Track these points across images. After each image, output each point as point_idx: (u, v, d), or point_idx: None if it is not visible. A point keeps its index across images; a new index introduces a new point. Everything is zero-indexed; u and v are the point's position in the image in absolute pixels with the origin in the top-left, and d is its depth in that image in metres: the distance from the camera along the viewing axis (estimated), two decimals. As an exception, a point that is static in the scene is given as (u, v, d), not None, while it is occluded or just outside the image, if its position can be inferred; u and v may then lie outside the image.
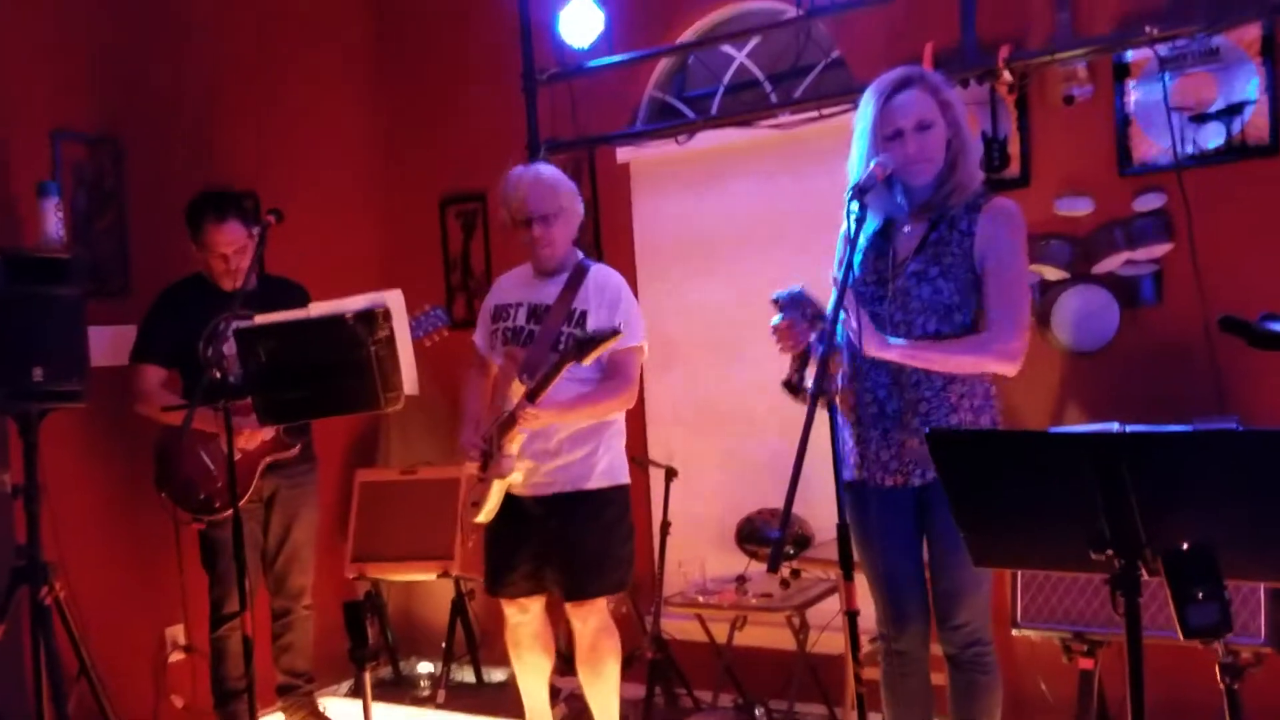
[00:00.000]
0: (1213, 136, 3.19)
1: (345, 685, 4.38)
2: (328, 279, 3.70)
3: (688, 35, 4.12)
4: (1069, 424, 3.33)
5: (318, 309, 2.90)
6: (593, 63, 3.99)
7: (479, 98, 4.48)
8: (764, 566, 3.32)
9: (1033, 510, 1.89)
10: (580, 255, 3.26)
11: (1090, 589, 2.88)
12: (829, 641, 3.60)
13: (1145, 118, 3.28)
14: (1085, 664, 2.89)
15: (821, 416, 2.13)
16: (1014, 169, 3.46)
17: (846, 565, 2.18)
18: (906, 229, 2.57)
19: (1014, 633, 3.00)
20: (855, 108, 2.60)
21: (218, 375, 2.88)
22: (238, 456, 3.12)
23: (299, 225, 3.56)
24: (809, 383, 2.24)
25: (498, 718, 3.91)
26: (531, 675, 3.36)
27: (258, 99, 4.32)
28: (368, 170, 4.77)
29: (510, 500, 3.17)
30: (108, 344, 3.59)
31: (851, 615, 2.20)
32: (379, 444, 4.74)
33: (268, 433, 3.45)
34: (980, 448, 1.97)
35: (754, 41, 4.07)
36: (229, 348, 2.94)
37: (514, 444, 3.06)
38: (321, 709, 3.87)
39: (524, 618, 3.28)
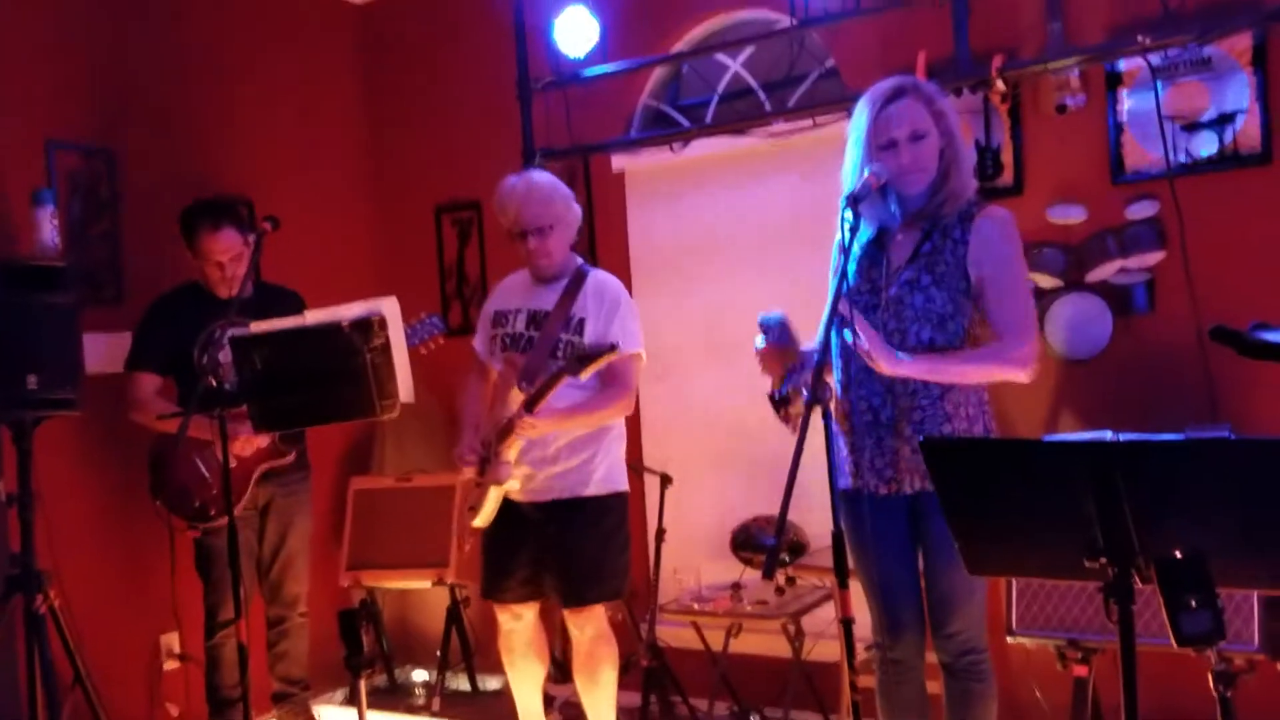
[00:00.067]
0: (1205, 145, 3.21)
1: (340, 693, 4.37)
2: (323, 286, 3.70)
3: (682, 44, 4.13)
4: (1063, 432, 3.34)
5: (313, 316, 2.91)
6: (588, 71, 4.00)
7: (474, 106, 4.49)
8: (759, 574, 3.33)
9: (1026, 518, 1.89)
10: (579, 261, 3.26)
11: (1085, 597, 2.89)
12: (824, 649, 3.61)
13: (1138, 126, 3.30)
14: (1080, 671, 2.89)
15: (816, 424, 2.14)
16: (1007, 177, 3.48)
17: (841, 573, 2.18)
18: (900, 237, 2.58)
19: (1009, 640, 3.00)
20: (849, 117, 2.60)
21: (213, 383, 2.88)
22: (233, 464, 3.12)
23: (294, 232, 3.56)
24: (791, 396, 2.27)
25: (492, 726, 3.91)
26: (525, 682, 3.36)
27: (252, 107, 4.32)
28: (363, 178, 4.78)
29: (508, 505, 3.17)
30: (102, 352, 3.59)
31: (846, 623, 2.20)
32: (374, 451, 4.73)
33: (263, 440, 3.45)
34: (974, 456, 1.98)
35: (748, 51, 4.08)
36: (224, 355, 2.94)
37: (511, 451, 3.07)
38: (317, 717, 3.87)
39: (517, 624, 3.28)
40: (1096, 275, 3.32)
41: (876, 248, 2.60)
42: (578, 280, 3.18)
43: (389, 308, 2.84)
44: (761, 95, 4.11)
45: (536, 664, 3.35)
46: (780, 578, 3.59)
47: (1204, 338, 2.71)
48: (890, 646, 2.61)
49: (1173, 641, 1.67)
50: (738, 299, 4.02)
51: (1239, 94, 3.17)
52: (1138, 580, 1.78)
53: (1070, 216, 3.37)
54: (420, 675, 4.53)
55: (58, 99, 3.71)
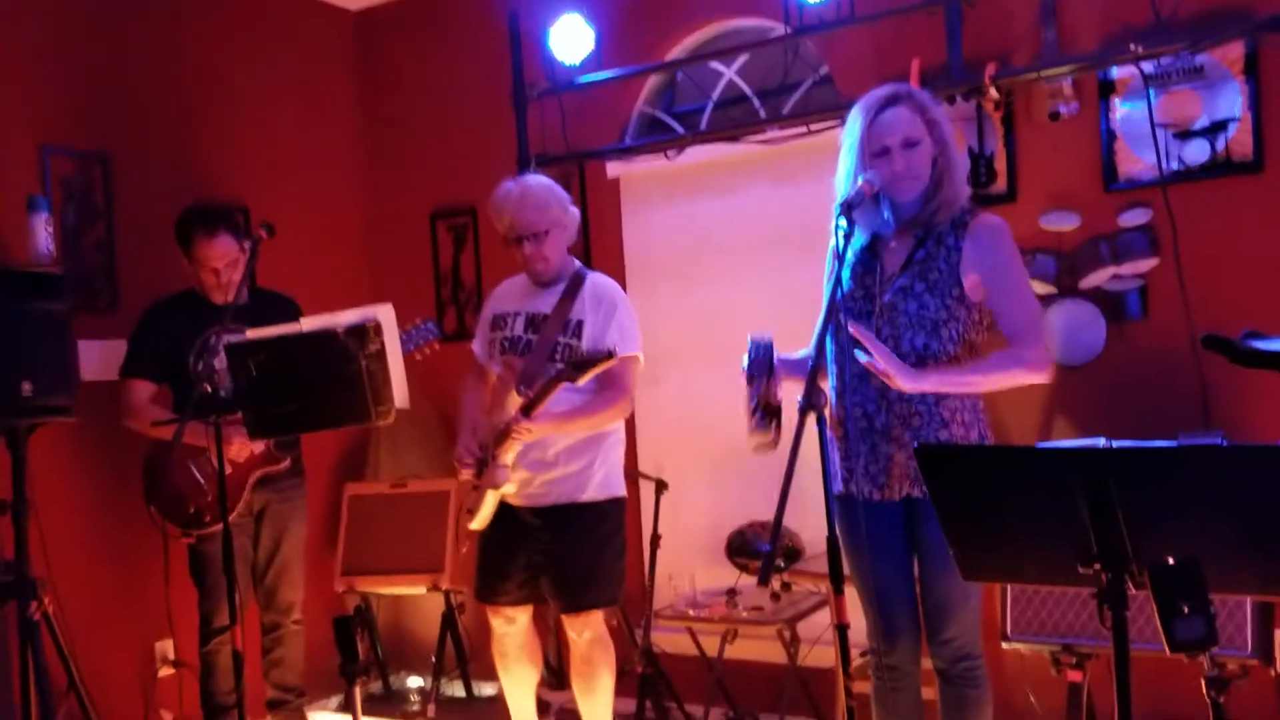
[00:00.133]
0: (1197, 153, 3.22)
1: (335, 700, 4.36)
2: (319, 292, 3.71)
3: (677, 52, 4.14)
4: (1057, 439, 3.35)
5: (309, 323, 2.90)
6: (583, 78, 4.01)
7: (469, 112, 4.50)
8: (755, 579, 3.33)
9: (1021, 525, 1.90)
10: (577, 264, 3.27)
11: (1079, 602, 2.90)
12: (820, 655, 3.61)
13: (1130, 134, 3.31)
14: (1074, 676, 2.90)
15: (811, 430, 2.14)
16: (1000, 185, 3.49)
17: (837, 578, 2.18)
18: (893, 244, 2.59)
19: (1004, 645, 3.01)
20: (843, 124, 2.62)
21: (208, 389, 2.88)
22: (228, 470, 3.11)
23: (289, 239, 3.57)
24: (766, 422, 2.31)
25: (487, 732, 3.91)
26: (518, 686, 3.36)
27: (247, 113, 4.33)
28: (358, 184, 4.78)
29: (505, 509, 3.17)
30: (96, 359, 3.59)
31: (842, 629, 2.20)
32: (368, 457, 4.73)
33: (258, 446, 3.45)
34: (968, 463, 1.99)
35: (743, 58, 4.10)
36: (219, 362, 2.94)
37: (508, 455, 3.07)
38: (311, 724, 3.87)
39: (510, 629, 3.28)
40: (1090, 282, 3.33)
41: (870, 254, 2.61)
42: (576, 283, 3.18)
43: (384, 315, 2.84)
44: (756, 102, 4.12)
45: (529, 668, 3.35)
46: (775, 583, 3.59)
47: (1197, 345, 2.72)
48: (886, 652, 2.61)
49: (1166, 647, 1.68)
50: (732, 305, 4.03)
51: (1231, 102, 3.19)
52: (1131, 586, 1.78)
53: (1063, 223, 3.38)
54: (415, 681, 4.52)
55: (52, 105, 3.71)
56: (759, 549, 3.67)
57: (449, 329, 4.49)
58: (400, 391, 2.87)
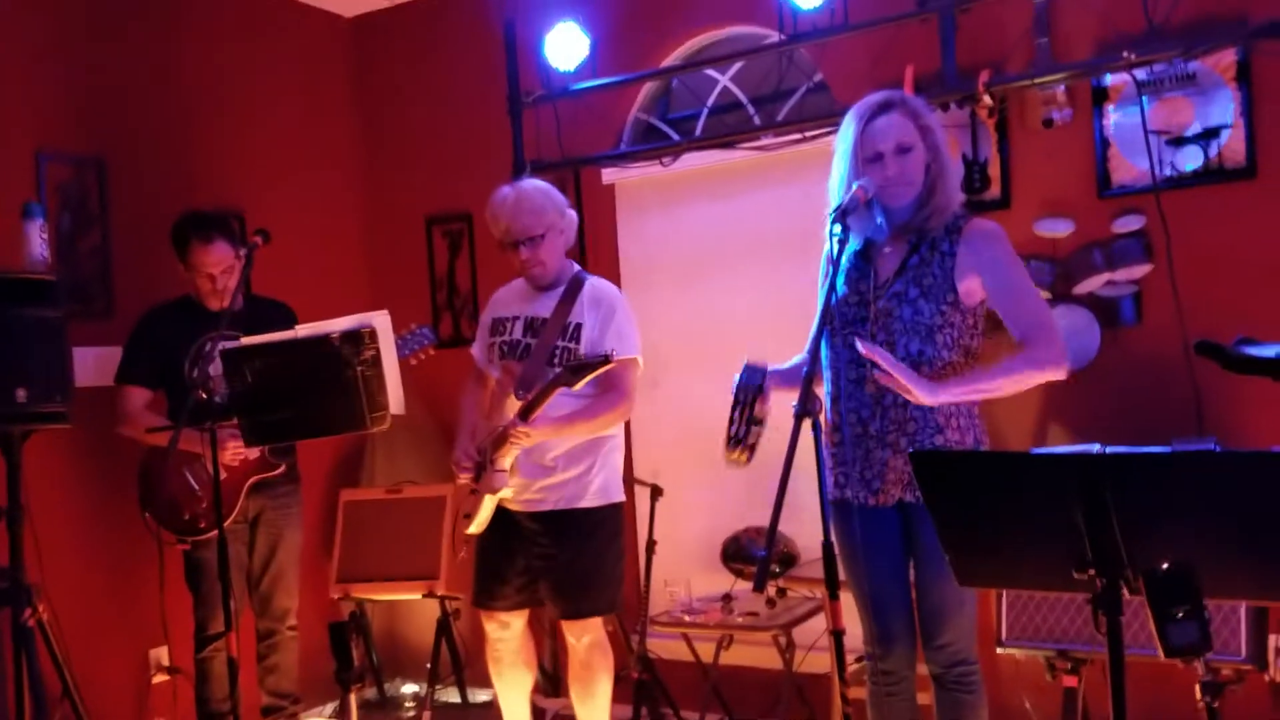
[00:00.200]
0: (1190, 159, 3.24)
1: (330, 706, 4.35)
2: (314, 299, 3.70)
3: (672, 59, 4.15)
4: (1051, 444, 3.35)
5: (304, 330, 2.90)
6: (578, 85, 4.02)
7: (465, 119, 4.51)
8: (750, 585, 3.33)
9: (1016, 530, 1.91)
10: (576, 268, 3.27)
11: (1074, 608, 2.90)
12: (815, 660, 3.61)
13: (1124, 141, 3.33)
14: (1069, 682, 2.90)
15: (806, 436, 2.15)
16: (994, 191, 3.50)
17: (832, 584, 2.19)
18: (887, 250, 2.59)
19: (999, 651, 3.02)
20: (837, 130, 2.62)
21: (203, 396, 2.88)
22: (223, 476, 3.11)
23: (285, 245, 3.57)
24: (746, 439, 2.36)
25: (483, 739, 3.91)
26: (512, 692, 3.35)
27: (243, 119, 4.33)
28: (353, 190, 4.78)
29: (503, 514, 3.17)
30: (92, 365, 3.59)
31: (837, 634, 2.21)
32: (364, 463, 4.72)
33: (252, 451, 3.45)
34: (963, 468, 2.00)
35: (738, 65, 4.11)
36: (215, 368, 2.94)
37: (506, 459, 3.07)
38: (306, 731, 3.86)
39: (505, 634, 3.27)
40: (1084, 288, 3.34)
41: (864, 260, 2.62)
42: (575, 287, 3.18)
43: (380, 321, 2.85)
44: (750, 109, 4.13)
45: (524, 673, 3.35)
46: (771, 589, 3.60)
47: (1190, 350, 2.73)
48: (881, 658, 2.61)
49: (1161, 652, 1.69)
50: (728, 311, 4.04)
51: (1224, 109, 3.20)
52: (1126, 592, 1.79)
53: (1057, 230, 3.39)
54: (410, 688, 4.52)
55: (48, 111, 3.71)
56: (754, 555, 3.68)
57: (444, 334, 4.50)
58: (396, 397, 2.87)
